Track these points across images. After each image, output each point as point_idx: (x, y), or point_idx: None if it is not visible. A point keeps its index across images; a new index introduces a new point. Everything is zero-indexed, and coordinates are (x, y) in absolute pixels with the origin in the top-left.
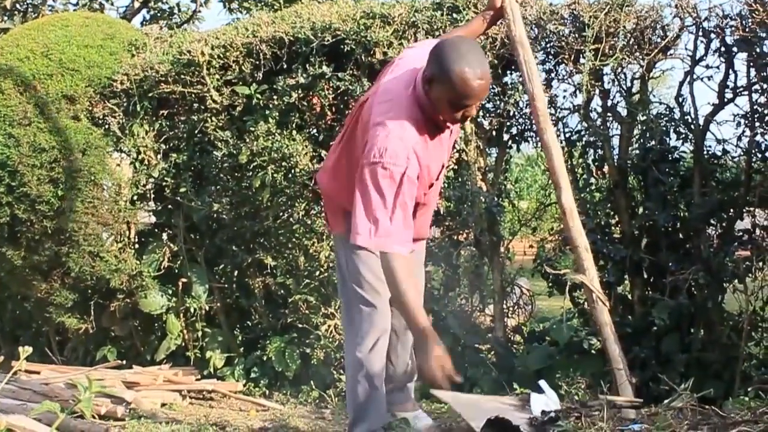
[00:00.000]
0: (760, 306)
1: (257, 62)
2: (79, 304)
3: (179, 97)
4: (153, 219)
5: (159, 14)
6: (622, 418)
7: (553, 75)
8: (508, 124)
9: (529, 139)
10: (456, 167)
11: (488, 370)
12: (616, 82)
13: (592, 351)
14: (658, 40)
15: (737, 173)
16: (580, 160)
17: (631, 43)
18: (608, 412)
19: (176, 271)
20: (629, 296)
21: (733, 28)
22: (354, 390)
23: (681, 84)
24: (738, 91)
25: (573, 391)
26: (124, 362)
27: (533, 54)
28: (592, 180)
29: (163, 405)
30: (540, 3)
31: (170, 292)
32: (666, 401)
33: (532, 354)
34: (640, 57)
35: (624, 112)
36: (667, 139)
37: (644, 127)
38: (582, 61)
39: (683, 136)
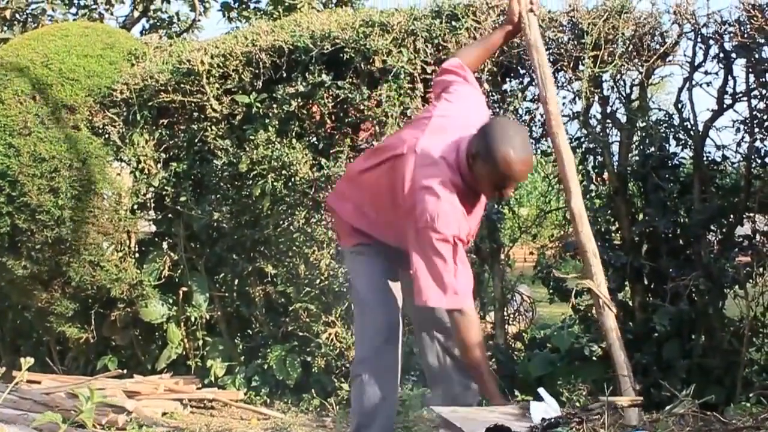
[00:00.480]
0: (760, 312)
1: (257, 71)
2: (79, 314)
3: (179, 106)
4: (153, 228)
5: (158, 23)
6: (624, 425)
7: None
8: None
9: None
10: None
11: None
12: (616, 89)
13: (594, 358)
14: (657, 46)
15: (737, 179)
16: (580, 167)
17: (630, 49)
18: (610, 418)
19: (177, 280)
20: (630, 303)
21: (731, 35)
22: (359, 397)
23: (680, 90)
24: (737, 97)
25: (574, 398)
26: (125, 371)
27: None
28: (592, 186)
29: (164, 414)
30: (539, 11)
31: (171, 301)
32: (667, 407)
33: (533, 361)
34: (639, 63)
35: (623, 119)
36: (667, 145)
37: (644, 134)
38: (581, 68)
39: (683, 142)
